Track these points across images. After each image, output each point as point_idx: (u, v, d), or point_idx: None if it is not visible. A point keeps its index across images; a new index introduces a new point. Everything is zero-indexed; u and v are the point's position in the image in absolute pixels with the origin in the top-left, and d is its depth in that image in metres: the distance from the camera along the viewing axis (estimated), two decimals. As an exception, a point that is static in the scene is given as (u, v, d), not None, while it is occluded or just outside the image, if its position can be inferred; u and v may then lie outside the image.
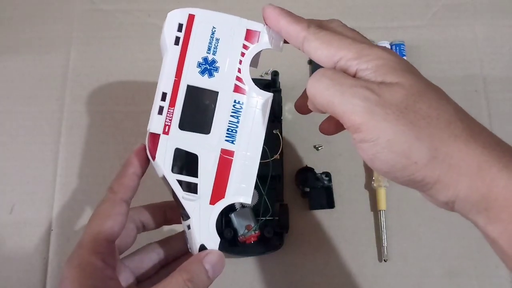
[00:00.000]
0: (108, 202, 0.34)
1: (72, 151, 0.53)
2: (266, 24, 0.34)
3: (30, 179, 0.52)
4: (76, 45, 0.57)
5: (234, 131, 0.34)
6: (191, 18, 0.35)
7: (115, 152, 0.53)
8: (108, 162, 0.53)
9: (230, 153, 0.34)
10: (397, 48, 0.54)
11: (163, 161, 0.33)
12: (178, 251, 0.39)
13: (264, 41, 0.35)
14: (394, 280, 0.49)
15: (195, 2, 0.59)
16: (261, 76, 0.55)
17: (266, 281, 0.49)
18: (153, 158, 0.33)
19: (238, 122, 0.34)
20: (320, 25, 0.31)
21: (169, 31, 0.35)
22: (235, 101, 0.34)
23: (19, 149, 0.53)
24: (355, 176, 0.52)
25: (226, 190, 0.34)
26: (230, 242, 0.47)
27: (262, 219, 0.47)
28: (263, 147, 0.48)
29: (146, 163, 0.34)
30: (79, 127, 0.54)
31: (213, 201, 0.34)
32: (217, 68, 0.34)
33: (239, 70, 0.34)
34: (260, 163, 0.47)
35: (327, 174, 0.50)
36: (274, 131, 0.49)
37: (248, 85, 0.35)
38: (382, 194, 0.50)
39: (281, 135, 0.50)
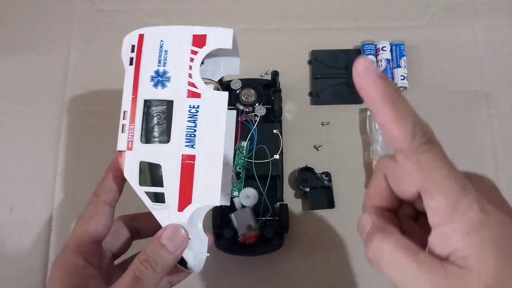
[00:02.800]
0: (91, 205, 0.35)
1: (72, 151, 0.53)
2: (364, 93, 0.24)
3: (30, 179, 0.52)
4: (76, 45, 0.57)
5: (192, 135, 0.34)
6: (141, 37, 0.37)
7: (115, 152, 0.53)
8: (108, 162, 0.52)
9: (192, 158, 0.34)
10: (397, 48, 0.54)
11: (130, 176, 0.34)
12: None
13: (211, 43, 0.35)
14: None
15: (195, 2, 0.59)
16: (261, 76, 0.55)
17: (266, 281, 0.49)
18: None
19: (195, 126, 0.34)
20: (426, 133, 0.23)
21: (125, 54, 0.36)
22: (190, 106, 0.35)
23: (19, 149, 0.53)
24: (355, 176, 0.52)
25: (193, 195, 0.34)
26: (230, 242, 0.47)
27: (262, 219, 0.47)
28: (263, 147, 0.48)
29: None
30: (79, 127, 0.54)
31: (181, 207, 0.34)
32: (168, 78, 0.35)
33: (190, 76, 0.35)
34: (260, 163, 0.48)
35: (327, 174, 0.50)
36: (274, 131, 0.49)
37: (201, 88, 0.35)
38: (382, 194, 0.49)
39: (281, 135, 0.50)
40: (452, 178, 0.23)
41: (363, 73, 0.23)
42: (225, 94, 0.35)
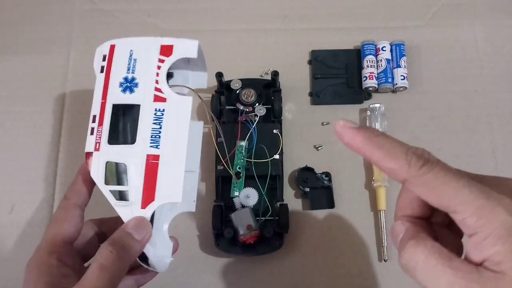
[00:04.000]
0: (62, 208, 0.37)
1: (72, 151, 0.53)
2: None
3: (30, 179, 0.52)
4: (76, 45, 0.57)
5: (157, 136, 0.36)
6: (112, 48, 0.39)
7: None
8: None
9: (156, 158, 0.36)
10: (397, 48, 0.54)
11: (96, 176, 0.36)
12: None
13: (177, 52, 0.38)
14: (394, 280, 0.49)
15: (195, 2, 0.59)
16: (261, 76, 0.55)
17: (266, 281, 0.49)
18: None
19: (160, 128, 0.36)
20: (421, 156, 0.24)
21: (96, 63, 0.40)
22: (156, 110, 0.37)
23: (19, 149, 0.53)
24: (355, 176, 0.52)
25: (156, 193, 0.35)
26: (230, 242, 0.47)
27: (262, 219, 0.47)
28: (262, 147, 0.48)
29: None
30: (79, 127, 0.54)
31: (144, 205, 0.35)
32: (136, 84, 0.37)
33: (157, 82, 0.37)
34: (260, 163, 0.48)
35: (327, 174, 0.50)
36: (274, 131, 0.49)
37: (167, 94, 0.37)
38: (382, 194, 0.50)
39: (281, 135, 0.50)
40: (465, 187, 0.23)
41: (341, 132, 0.26)
42: (189, 99, 0.37)
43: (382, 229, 0.49)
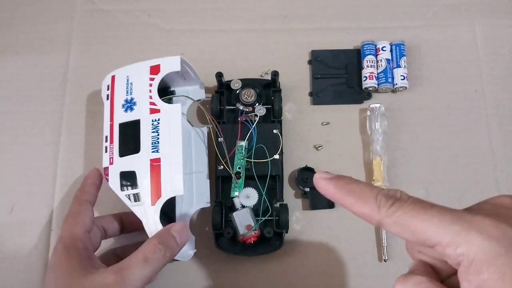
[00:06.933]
0: (75, 204, 0.42)
1: (72, 151, 0.53)
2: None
3: (30, 179, 0.52)
4: (76, 45, 0.57)
5: (156, 142, 0.42)
6: (113, 78, 0.46)
7: (115, 152, 0.53)
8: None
9: (158, 160, 0.42)
10: (397, 48, 0.54)
11: (113, 185, 0.42)
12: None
13: (164, 69, 0.45)
14: (394, 280, 0.49)
15: (195, 2, 0.59)
16: (261, 76, 0.55)
17: (266, 281, 0.49)
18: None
19: (158, 135, 0.42)
20: (390, 197, 0.24)
21: (103, 93, 0.47)
22: (152, 120, 0.43)
23: (19, 149, 0.53)
24: (355, 176, 0.51)
25: (161, 190, 0.41)
26: (230, 242, 0.47)
27: (262, 219, 0.47)
28: (262, 147, 0.49)
29: (100, 175, 0.45)
30: (79, 127, 0.54)
31: (153, 201, 0.41)
32: (135, 102, 0.44)
33: (150, 97, 0.44)
34: (260, 163, 0.48)
35: (327, 174, 0.50)
36: (274, 131, 0.49)
37: (160, 105, 0.44)
38: (382, 194, 0.49)
39: (281, 135, 0.50)
40: (434, 217, 0.22)
41: (316, 183, 0.27)
42: (178, 106, 0.44)
43: (382, 229, 0.49)
